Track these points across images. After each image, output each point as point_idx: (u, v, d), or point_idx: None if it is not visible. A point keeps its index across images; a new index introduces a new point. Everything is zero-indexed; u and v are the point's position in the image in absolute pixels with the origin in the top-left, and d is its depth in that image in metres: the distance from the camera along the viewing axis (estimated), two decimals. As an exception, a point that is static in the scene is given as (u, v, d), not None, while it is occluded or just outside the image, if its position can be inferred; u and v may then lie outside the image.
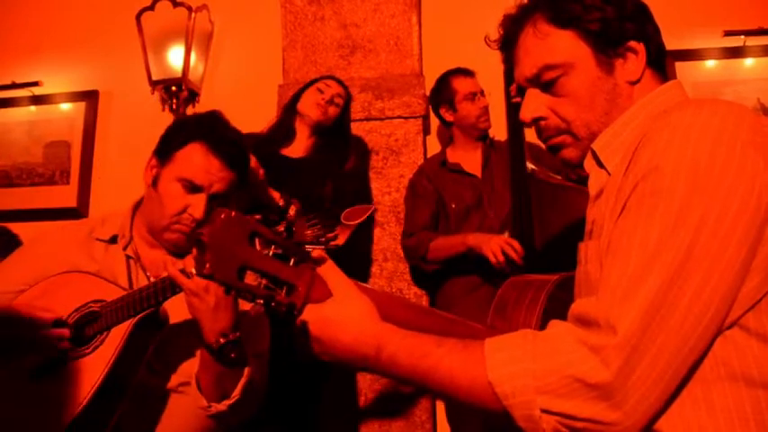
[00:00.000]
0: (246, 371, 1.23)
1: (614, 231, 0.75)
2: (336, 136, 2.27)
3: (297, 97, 2.28)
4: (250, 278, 0.77)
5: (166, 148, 1.36)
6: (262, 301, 0.79)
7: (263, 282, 0.78)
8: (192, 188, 1.31)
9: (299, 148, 2.23)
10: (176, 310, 1.28)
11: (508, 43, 0.96)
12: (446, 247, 2.20)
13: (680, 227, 0.68)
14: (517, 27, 0.94)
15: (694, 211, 0.68)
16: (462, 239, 2.13)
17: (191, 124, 1.36)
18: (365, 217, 1.09)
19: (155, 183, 1.36)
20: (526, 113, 0.93)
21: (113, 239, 1.40)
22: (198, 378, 1.24)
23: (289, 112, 2.28)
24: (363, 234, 2.52)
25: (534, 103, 0.93)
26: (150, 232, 1.39)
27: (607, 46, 0.88)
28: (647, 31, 0.89)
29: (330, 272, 0.83)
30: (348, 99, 2.30)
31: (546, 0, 0.91)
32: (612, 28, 0.87)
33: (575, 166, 0.94)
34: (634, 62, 0.88)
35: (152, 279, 1.21)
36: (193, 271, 1.12)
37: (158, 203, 1.34)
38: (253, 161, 1.93)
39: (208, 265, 0.73)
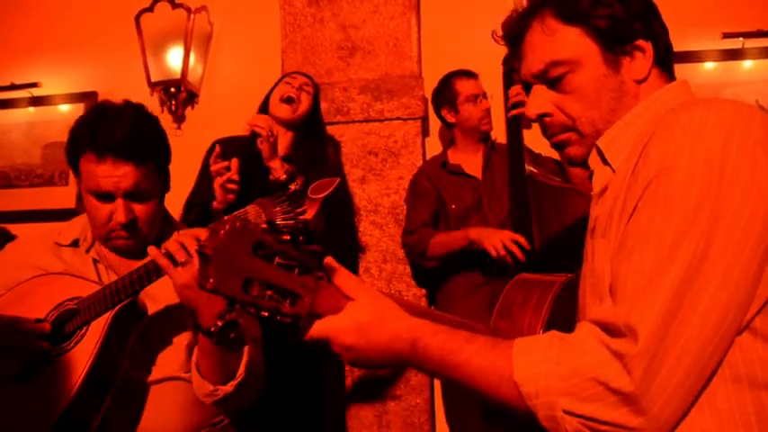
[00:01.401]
0: (247, 349, 1.23)
1: (626, 233, 0.75)
2: (312, 130, 2.28)
3: (267, 99, 2.29)
4: (255, 289, 0.76)
5: (72, 166, 1.33)
6: (267, 314, 0.77)
7: (268, 293, 0.76)
8: (104, 197, 1.28)
9: (278, 148, 2.24)
10: (155, 302, 1.28)
11: (515, 39, 0.96)
12: (447, 241, 2.19)
13: (695, 229, 0.68)
14: (525, 23, 0.93)
15: (709, 213, 0.68)
16: (464, 233, 2.13)
17: (76, 135, 1.31)
18: (331, 189, 1.11)
19: (82, 198, 1.35)
20: (531, 110, 0.93)
21: (75, 243, 1.39)
22: (198, 366, 1.24)
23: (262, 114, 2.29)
24: (348, 237, 2.53)
25: (540, 100, 0.92)
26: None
27: (615, 44, 0.87)
28: (654, 29, 0.89)
29: (344, 277, 0.81)
30: (317, 91, 2.32)
31: None
32: (621, 25, 0.87)
33: (579, 164, 0.93)
34: (641, 61, 0.88)
35: None
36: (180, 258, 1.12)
37: (89, 217, 1.35)
38: (266, 120, 1.99)
39: (212, 280, 0.72)
